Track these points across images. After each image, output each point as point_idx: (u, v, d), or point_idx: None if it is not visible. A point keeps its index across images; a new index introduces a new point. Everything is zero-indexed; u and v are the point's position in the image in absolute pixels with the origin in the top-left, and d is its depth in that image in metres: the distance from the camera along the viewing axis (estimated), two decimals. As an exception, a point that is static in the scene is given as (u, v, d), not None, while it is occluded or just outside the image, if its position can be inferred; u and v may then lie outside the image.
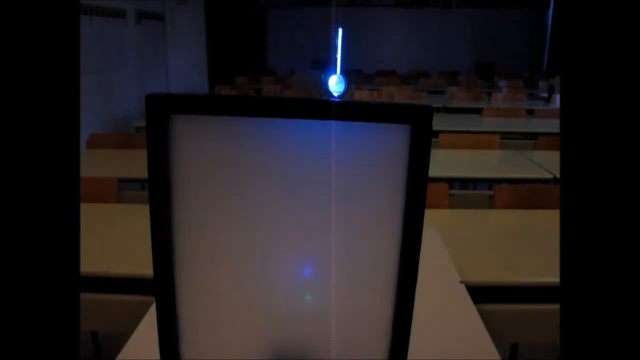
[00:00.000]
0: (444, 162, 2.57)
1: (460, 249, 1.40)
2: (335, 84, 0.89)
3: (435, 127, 0.55)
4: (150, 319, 0.97)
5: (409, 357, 0.55)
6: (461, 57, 9.05)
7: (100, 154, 2.70)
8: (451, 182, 2.30)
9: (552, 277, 1.28)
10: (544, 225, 1.69)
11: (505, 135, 3.24)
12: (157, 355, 0.55)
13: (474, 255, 1.43)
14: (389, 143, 0.49)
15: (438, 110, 4.64)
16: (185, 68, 6.90)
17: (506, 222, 1.83)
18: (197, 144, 0.50)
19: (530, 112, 4.30)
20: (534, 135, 3.43)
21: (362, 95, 4.93)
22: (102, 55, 4.67)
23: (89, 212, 1.66)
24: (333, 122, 0.48)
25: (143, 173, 0.49)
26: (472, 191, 2.99)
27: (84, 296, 1.21)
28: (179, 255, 0.53)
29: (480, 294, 1.14)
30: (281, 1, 9.18)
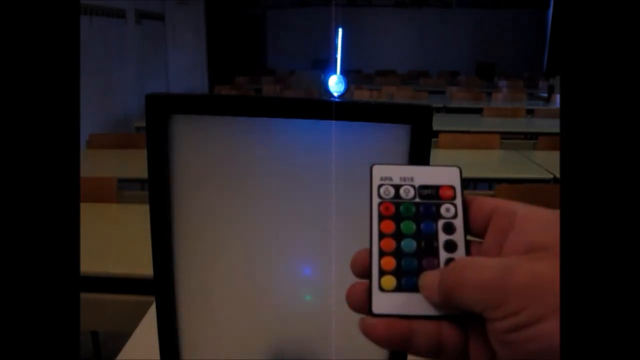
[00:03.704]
0: (444, 162, 2.57)
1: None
2: (335, 84, 0.89)
3: (435, 127, 0.55)
4: (150, 319, 0.97)
5: (409, 358, 0.55)
6: (461, 57, 9.05)
7: (100, 154, 2.70)
8: (451, 182, 2.29)
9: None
10: (544, 225, 1.68)
11: (506, 135, 3.23)
12: (157, 355, 0.55)
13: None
14: (389, 143, 0.49)
15: (438, 110, 4.64)
16: (185, 68, 6.90)
17: (506, 222, 1.82)
18: (197, 144, 0.50)
19: (530, 112, 4.29)
20: (534, 135, 3.43)
21: (362, 95, 4.93)
22: (102, 55, 4.67)
23: (89, 212, 1.66)
24: (333, 122, 0.48)
25: (143, 173, 0.49)
26: (472, 191, 2.99)
27: (84, 296, 1.21)
28: (179, 255, 0.53)
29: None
30: (281, 1, 9.18)
